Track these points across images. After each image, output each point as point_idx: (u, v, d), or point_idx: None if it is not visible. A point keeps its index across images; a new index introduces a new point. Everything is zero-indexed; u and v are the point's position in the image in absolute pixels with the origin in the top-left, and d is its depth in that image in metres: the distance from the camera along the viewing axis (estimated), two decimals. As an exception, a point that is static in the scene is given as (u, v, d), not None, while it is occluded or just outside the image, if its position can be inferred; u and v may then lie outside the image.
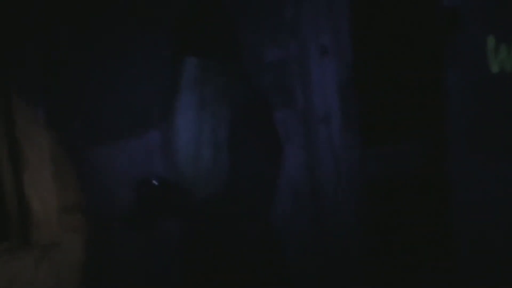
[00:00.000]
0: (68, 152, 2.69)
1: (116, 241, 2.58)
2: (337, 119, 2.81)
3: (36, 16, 2.60)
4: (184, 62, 1.88)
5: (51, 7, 2.61)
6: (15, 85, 2.60)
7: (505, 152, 2.59)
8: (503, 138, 2.59)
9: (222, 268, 1.97)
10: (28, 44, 2.60)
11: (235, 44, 1.95)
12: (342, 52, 2.77)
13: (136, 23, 2.64)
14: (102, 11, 2.63)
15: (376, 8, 2.84)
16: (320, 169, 2.85)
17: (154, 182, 1.89)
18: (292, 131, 2.82)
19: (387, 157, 2.92)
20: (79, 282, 2.67)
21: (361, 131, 2.85)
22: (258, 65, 2.77)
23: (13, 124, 2.61)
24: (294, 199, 2.86)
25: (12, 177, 2.63)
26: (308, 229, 2.89)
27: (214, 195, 1.88)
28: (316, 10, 2.73)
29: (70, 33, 2.63)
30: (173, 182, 1.97)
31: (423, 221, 2.93)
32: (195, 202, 1.93)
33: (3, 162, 2.61)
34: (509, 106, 2.56)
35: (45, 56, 2.64)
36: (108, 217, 2.56)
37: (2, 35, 2.54)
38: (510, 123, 2.57)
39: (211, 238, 1.97)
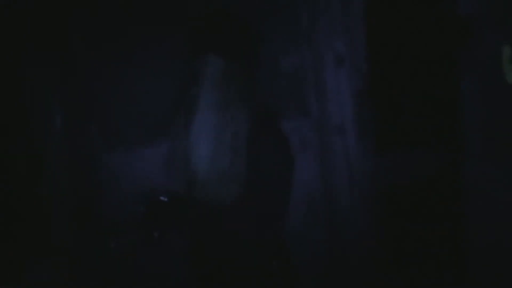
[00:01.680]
0: (84, 158, 2.70)
1: (126, 248, 2.57)
2: (352, 128, 2.81)
3: (52, 23, 2.63)
4: (204, 62, 1.87)
5: (66, 15, 2.64)
6: (33, 91, 2.62)
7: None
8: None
9: (232, 276, 1.97)
10: (45, 50, 2.63)
11: (253, 48, 1.96)
12: (357, 61, 2.78)
13: (153, 30, 2.65)
14: (119, 17, 2.66)
15: (391, 17, 2.84)
16: (335, 177, 2.84)
17: (163, 198, 1.88)
18: (307, 140, 2.82)
19: (402, 165, 2.91)
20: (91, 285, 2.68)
21: (376, 139, 2.85)
22: (273, 74, 2.78)
23: (31, 130, 2.64)
24: (309, 207, 2.86)
25: (29, 182, 2.65)
26: (322, 236, 2.88)
27: (230, 200, 1.88)
28: (331, 19, 2.74)
29: (87, 39, 2.65)
30: (184, 195, 1.96)
31: (438, 229, 2.91)
32: (209, 211, 1.92)
33: (21, 167, 2.63)
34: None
35: (62, 62, 2.66)
36: (121, 223, 2.56)
37: (18, 41, 2.57)
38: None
39: (222, 247, 1.96)
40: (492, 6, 2.52)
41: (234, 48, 1.88)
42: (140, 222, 1.86)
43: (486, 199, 2.64)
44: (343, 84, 2.78)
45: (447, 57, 2.80)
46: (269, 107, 1.98)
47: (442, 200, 2.93)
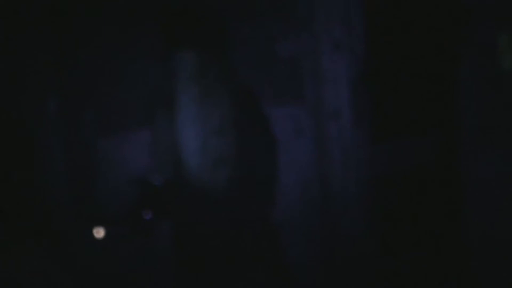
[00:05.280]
0: (79, 143, 2.69)
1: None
2: (348, 114, 2.80)
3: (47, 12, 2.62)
4: (178, 60, 1.90)
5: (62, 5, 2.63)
6: (27, 78, 2.61)
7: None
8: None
9: (223, 263, 1.97)
10: (40, 38, 2.61)
11: (222, 35, 1.97)
12: (354, 47, 2.77)
13: (140, 18, 2.65)
14: (111, 8, 2.65)
15: (389, 3, 2.83)
16: (330, 164, 2.84)
17: (155, 181, 1.88)
18: (302, 126, 2.82)
19: (398, 152, 2.91)
20: (88, 274, 2.67)
21: (371, 126, 2.84)
22: (270, 59, 2.77)
23: (26, 116, 2.63)
24: (303, 193, 2.86)
25: (25, 168, 2.64)
26: (316, 223, 2.88)
27: (220, 185, 1.89)
28: (329, 5, 2.73)
29: (80, 28, 2.64)
30: (176, 178, 1.96)
31: (433, 217, 2.92)
32: (200, 197, 1.92)
33: (16, 154, 2.62)
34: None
35: (56, 50, 2.65)
36: (115, 211, 2.56)
37: (15, 30, 2.56)
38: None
39: (212, 234, 1.96)
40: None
41: (204, 40, 1.90)
42: (133, 205, 1.86)
43: (483, 187, 2.64)
44: (340, 70, 2.77)
45: (445, 44, 2.79)
46: (250, 89, 1.99)
47: (438, 188, 2.93)
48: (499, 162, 2.61)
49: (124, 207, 1.90)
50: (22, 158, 2.63)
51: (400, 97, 2.89)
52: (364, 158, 2.85)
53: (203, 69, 1.89)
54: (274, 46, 2.78)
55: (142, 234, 1.86)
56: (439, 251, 2.93)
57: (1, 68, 2.57)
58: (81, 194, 2.70)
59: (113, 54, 2.68)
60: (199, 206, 1.94)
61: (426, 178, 2.92)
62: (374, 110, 2.85)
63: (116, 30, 2.66)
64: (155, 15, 2.41)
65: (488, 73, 2.61)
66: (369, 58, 2.80)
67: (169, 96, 1.94)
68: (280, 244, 2.10)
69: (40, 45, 2.63)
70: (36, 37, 2.62)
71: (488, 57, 2.60)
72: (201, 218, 1.96)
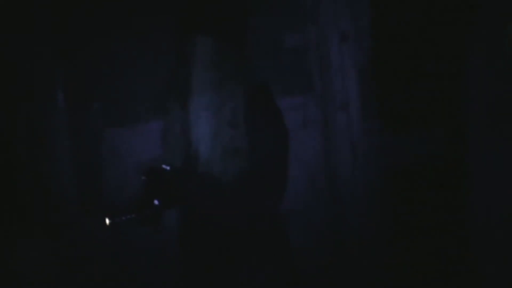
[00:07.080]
0: (87, 135, 2.70)
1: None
2: (356, 105, 2.80)
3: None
4: (193, 44, 1.88)
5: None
6: (35, 69, 2.62)
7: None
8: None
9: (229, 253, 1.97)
10: (46, 29, 2.62)
11: (241, 25, 1.95)
12: (361, 38, 2.76)
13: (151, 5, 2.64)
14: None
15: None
16: (337, 155, 2.84)
17: (165, 167, 1.87)
18: (310, 117, 2.82)
19: (405, 144, 2.91)
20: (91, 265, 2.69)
21: (379, 118, 2.84)
22: (277, 50, 2.77)
23: (32, 108, 2.64)
24: (310, 185, 2.86)
25: (30, 160, 2.65)
26: (323, 215, 2.88)
27: (232, 175, 1.88)
28: (336, -4, 2.73)
29: (87, 17, 2.65)
30: (186, 167, 1.96)
31: (441, 209, 2.91)
32: (210, 186, 1.92)
33: (21, 146, 2.63)
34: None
35: (63, 40, 2.66)
36: (121, 203, 2.56)
37: (24, 24, 2.57)
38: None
39: (219, 225, 1.96)
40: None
41: (222, 27, 1.88)
42: (141, 192, 1.85)
43: (492, 179, 2.63)
44: (347, 61, 2.77)
45: (452, 35, 2.78)
46: (263, 82, 1.98)
47: (446, 180, 2.93)
48: (507, 155, 2.60)
49: (132, 195, 1.90)
50: (30, 150, 2.65)
51: (407, 89, 2.89)
52: (372, 149, 2.85)
53: (220, 56, 1.87)
54: (281, 37, 2.78)
55: (151, 222, 1.85)
56: (445, 245, 2.92)
57: (9, 62, 2.59)
58: (88, 185, 2.72)
59: (122, 44, 2.68)
60: (207, 196, 1.93)
61: (434, 171, 2.92)
62: (381, 102, 2.85)
63: (125, 19, 2.66)
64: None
65: (497, 64, 2.60)
66: (377, 48, 2.79)
67: (182, 83, 1.91)
68: (287, 238, 2.09)
69: (48, 37, 2.64)
70: (43, 29, 2.63)
71: (497, 47, 2.58)
72: (209, 208, 1.96)
